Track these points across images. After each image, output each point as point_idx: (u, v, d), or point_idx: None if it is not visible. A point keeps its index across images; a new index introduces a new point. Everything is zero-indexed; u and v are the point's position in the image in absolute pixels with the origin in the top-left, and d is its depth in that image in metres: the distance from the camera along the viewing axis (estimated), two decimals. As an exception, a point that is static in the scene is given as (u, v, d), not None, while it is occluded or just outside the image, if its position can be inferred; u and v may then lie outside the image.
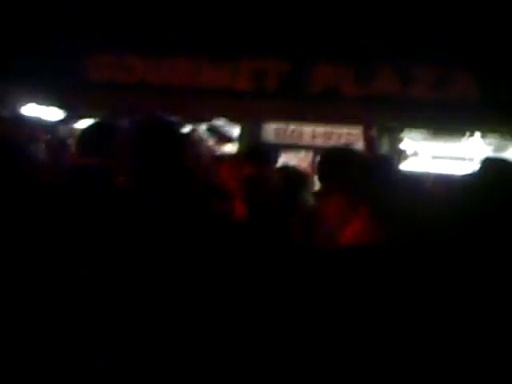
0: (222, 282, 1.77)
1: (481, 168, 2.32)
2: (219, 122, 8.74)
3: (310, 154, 8.89)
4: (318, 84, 7.27)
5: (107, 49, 8.10)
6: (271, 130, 8.96)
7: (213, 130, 8.61)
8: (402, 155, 8.88)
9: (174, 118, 8.33)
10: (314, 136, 8.96)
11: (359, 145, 8.39)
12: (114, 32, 7.87)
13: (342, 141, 8.85)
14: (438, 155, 8.56)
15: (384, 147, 8.70)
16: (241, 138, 8.90)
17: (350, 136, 8.84)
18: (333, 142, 8.79)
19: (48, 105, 9.06)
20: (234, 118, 8.50)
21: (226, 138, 8.77)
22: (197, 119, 8.12)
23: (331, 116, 7.46)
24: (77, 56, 8.20)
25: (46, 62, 7.99)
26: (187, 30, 7.70)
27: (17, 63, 7.97)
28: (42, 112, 9.12)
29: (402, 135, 8.82)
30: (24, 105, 9.00)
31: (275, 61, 7.36)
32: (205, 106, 7.64)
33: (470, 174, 2.41)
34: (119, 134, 2.87)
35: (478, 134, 8.37)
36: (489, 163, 2.44)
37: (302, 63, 7.25)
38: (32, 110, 9.18)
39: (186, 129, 7.93)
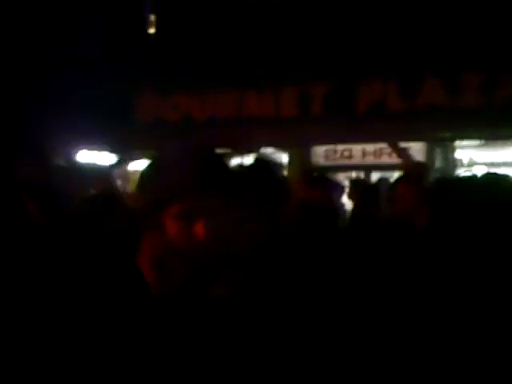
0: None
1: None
2: (268, 151, 8.76)
3: (362, 174, 8.81)
4: (363, 102, 7.21)
5: (153, 88, 8.27)
6: (321, 153, 8.92)
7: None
8: (456, 165, 8.71)
9: (223, 151, 8.35)
10: (364, 154, 8.88)
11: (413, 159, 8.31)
12: (159, 71, 8.03)
13: (393, 157, 8.74)
14: (493, 162, 8.33)
15: (438, 159, 8.55)
16: (290, 164, 8.89)
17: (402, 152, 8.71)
18: (384, 159, 8.70)
19: (100, 150, 9.28)
20: (281, 146, 8.51)
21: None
22: (245, 150, 8.15)
23: (379, 133, 7.38)
24: (124, 98, 8.40)
25: (96, 107, 8.20)
26: (227, 63, 7.79)
27: (67, 109, 8.18)
28: (95, 157, 9.34)
29: (454, 145, 8.64)
30: (77, 151, 9.24)
31: (317, 83, 7.35)
32: (252, 136, 7.68)
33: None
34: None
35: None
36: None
37: (345, 82, 7.21)
38: (85, 156, 9.41)
39: (236, 160, 7.99)
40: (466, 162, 8.80)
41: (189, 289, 1.44)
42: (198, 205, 1.37)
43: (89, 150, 9.38)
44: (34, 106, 8.16)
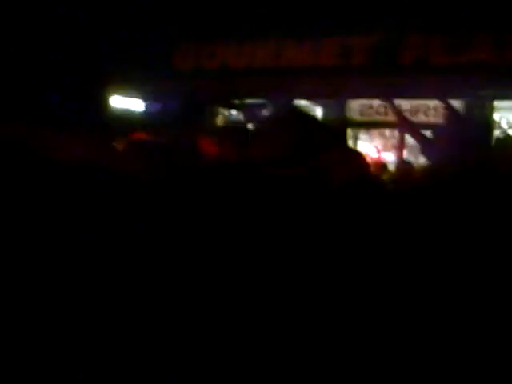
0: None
1: None
2: (302, 103, 8.63)
3: (395, 131, 8.67)
4: (407, 56, 7.01)
5: (190, 38, 8.16)
6: (356, 108, 8.78)
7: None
8: (494, 126, 8.51)
9: (256, 101, 8.27)
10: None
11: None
12: (196, 21, 7.90)
13: (430, 115, 8.58)
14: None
15: (475, 118, 8.35)
16: (325, 118, 8.78)
17: (437, 110, 8.55)
18: (420, 118, 8.54)
19: (134, 96, 9.23)
20: (319, 97, 8.36)
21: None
22: (279, 102, 8.04)
23: (421, 89, 7.21)
24: (162, 47, 8.31)
25: (133, 56, 8.14)
26: (265, 11, 7.64)
27: (105, 59, 8.13)
28: (128, 104, 9.30)
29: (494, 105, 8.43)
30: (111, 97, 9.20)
31: (361, 35, 7.16)
32: (288, 86, 7.55)
33: None
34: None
35: None
36: None
37: (391, 35, 7.00)
38: (119, 102, 9.37)
39: (267, 111, 7.88)
40: (504, 124, 8.61)
41: None
42: None
43: (123, 96, 9.35)
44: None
